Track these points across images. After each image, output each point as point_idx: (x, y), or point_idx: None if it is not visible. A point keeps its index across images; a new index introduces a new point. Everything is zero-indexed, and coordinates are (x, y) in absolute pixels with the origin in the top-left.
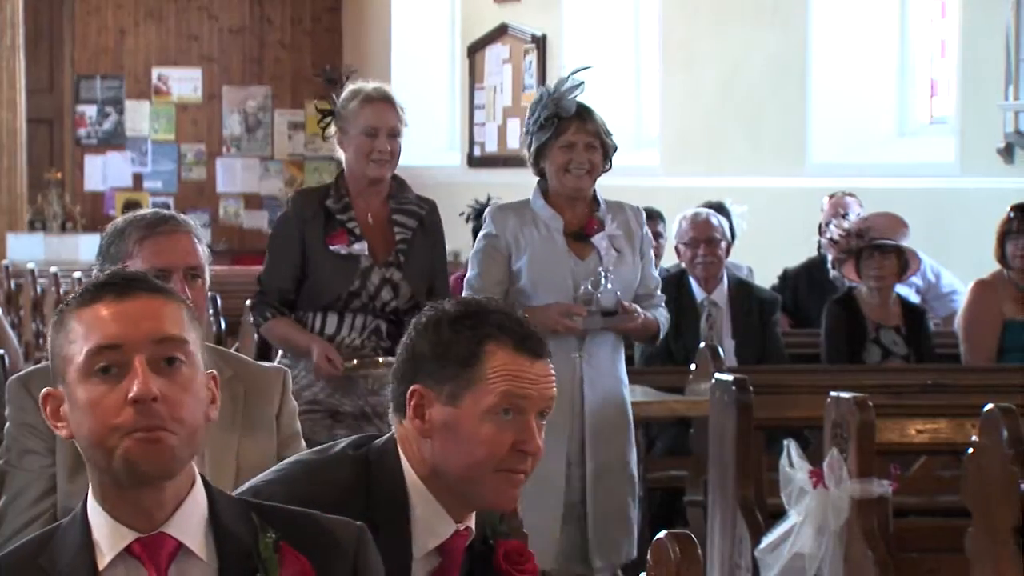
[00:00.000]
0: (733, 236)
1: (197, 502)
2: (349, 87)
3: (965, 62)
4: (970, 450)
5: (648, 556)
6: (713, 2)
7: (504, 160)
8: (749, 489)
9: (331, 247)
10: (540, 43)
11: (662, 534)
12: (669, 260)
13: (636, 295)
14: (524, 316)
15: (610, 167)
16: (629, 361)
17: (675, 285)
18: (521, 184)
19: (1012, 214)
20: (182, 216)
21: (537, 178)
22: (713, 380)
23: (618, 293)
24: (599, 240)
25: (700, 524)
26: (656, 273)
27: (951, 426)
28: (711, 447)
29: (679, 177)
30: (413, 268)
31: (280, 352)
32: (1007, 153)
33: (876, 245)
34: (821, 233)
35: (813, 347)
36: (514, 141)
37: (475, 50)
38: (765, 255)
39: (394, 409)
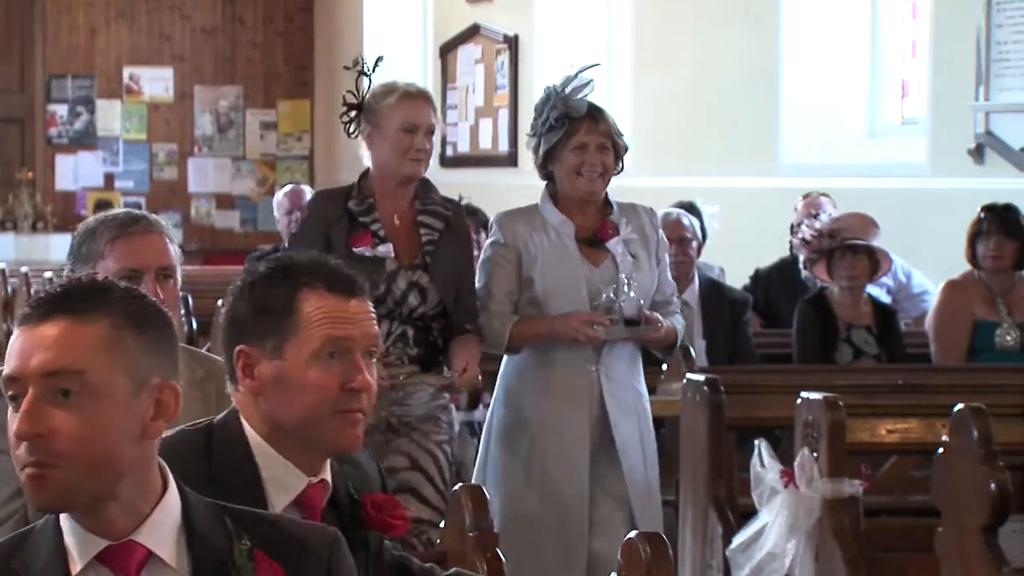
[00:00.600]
0: (704, 236)
1: (168, 509)
2: (378, 83)
3: (936, 63)
4: (940, 450)
5: (619, 556)
6: (685, 4)
7: (476, 160)
8: (720, 489)
9: (355, 249)
10: (512, 43)
11: (633, 534)
12: None
13: (653, 302)
14: (339, 261)
15: (622, 169)
16: None
17: None
18: (493, 184)
19: (983, 215)
20: (154, 216)
21: (537, 181)
22: (684, 380)
23: (641, 301)
24: (615, 245)
25: (671, 524)
26: (671, 278)
27: (922, 426)
28: (683, 447)
29: (651, 177)
30: (440, 271)
31: None
32: (978, 154)
33: (847, 245)
34: (793, 233)
35: (784, 347)
36: (486, 141)
37: (447, 50)
38: (737, 255)
39: (229, 379)
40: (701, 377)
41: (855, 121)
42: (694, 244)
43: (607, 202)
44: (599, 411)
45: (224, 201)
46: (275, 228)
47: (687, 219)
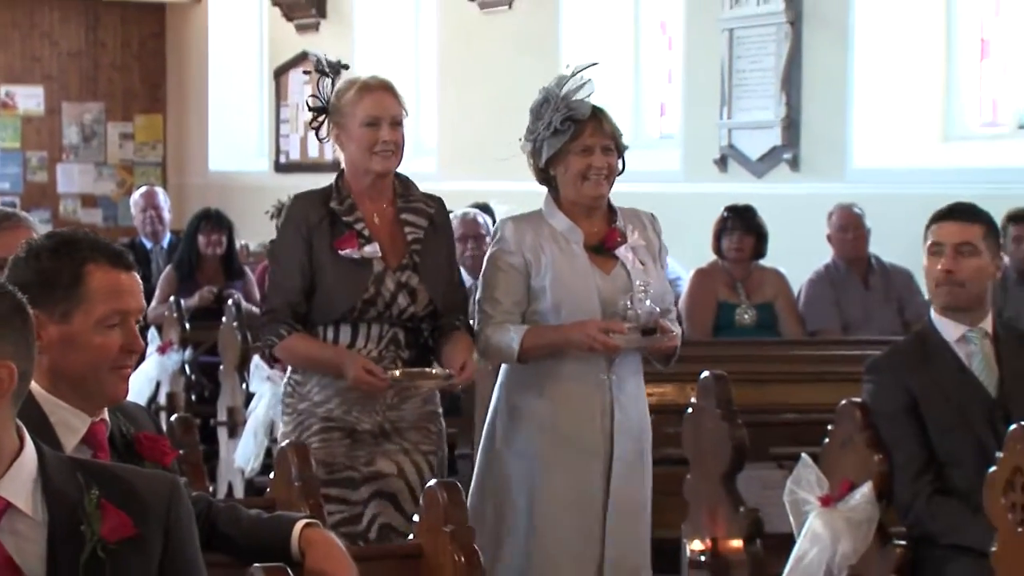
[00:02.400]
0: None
1: (25, 464)
2: (341, 80)
3: (688, 87)
4: (689, 410)
5: (421, 501)
6: (482, 33)
7: (306, 167)
8: None
9: (341, 252)
10: (336, 68)
11: (432, 482)
12: None
13: None
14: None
15: (623, 170)
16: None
17: None
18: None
19: (726, 214)
20: (23, 213)
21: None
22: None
23: (657, 309)
24: (624, 253)
25: (469, 473)
26: (668, 286)
27: (675, 390)
28: (477, 409)
29: (453, 181)
30: (429, 270)
31: (289, 370)
32: (722, 163)
33: None
34: None
35: None
36: (314, 151)
37: (280, 73)
38: None
39: None
40: None
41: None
42: (487, 239)
43: (611, 208)
44: (610, 422)
45: (88, 201)
46: (132, 223)
47: (482, 217)
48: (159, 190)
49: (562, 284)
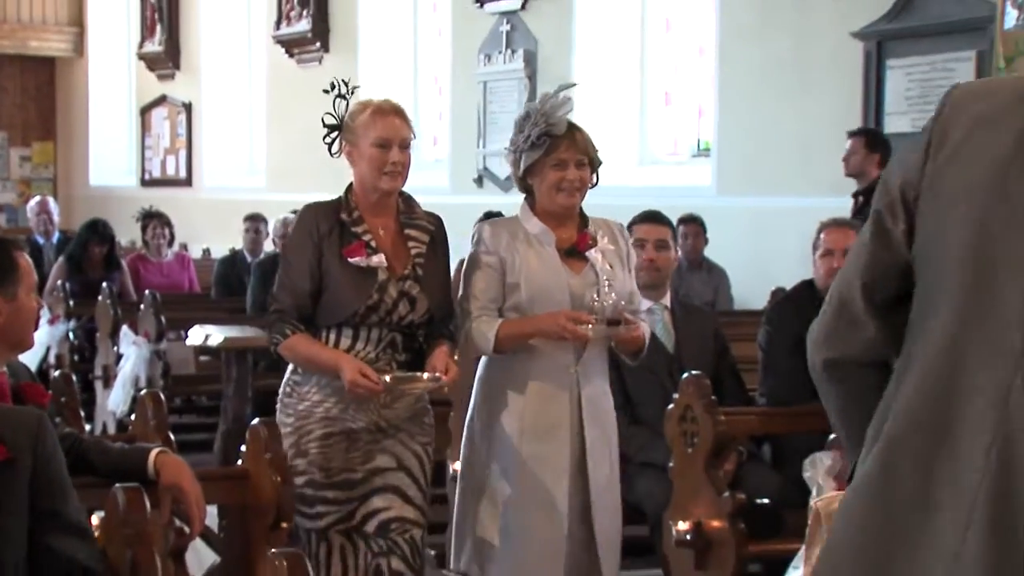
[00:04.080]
0: None
1: None
2: (354, 101)
3: (454, 124)
4: None
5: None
6: (300, 82)
7: (165, 183)
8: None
9: (351, 259)
10: (188, 108)
11: (255, 421)
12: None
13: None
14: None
15: (596, 182)
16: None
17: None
18: (176, 198)
19: (482, 219)
20: None
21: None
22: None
23: (622, 303)
24: (593, 254)
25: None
26: (636, 288)
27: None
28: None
29: (277, 193)
30: (429, 282)
31: (290, 369)
32: (479, 181)
33: None
34: None
35: None
36: (171, 170)
37: (145, 111)
38: None
39: None
40: None
41: None
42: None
43: (582, 215)
44: (577, 412)
45: None
46: (28, 225)
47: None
48: (51, 199)
49: (535, 281)
